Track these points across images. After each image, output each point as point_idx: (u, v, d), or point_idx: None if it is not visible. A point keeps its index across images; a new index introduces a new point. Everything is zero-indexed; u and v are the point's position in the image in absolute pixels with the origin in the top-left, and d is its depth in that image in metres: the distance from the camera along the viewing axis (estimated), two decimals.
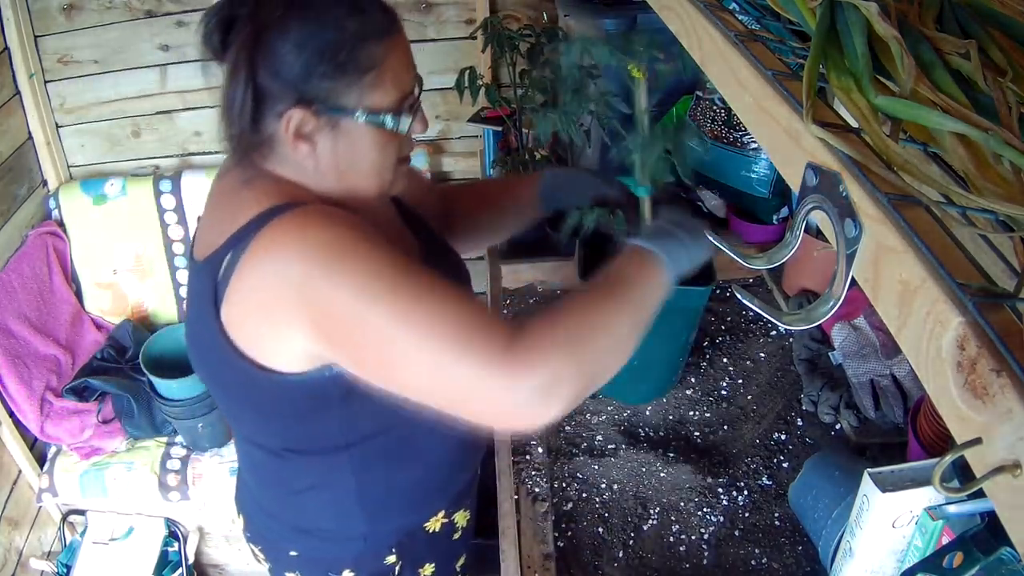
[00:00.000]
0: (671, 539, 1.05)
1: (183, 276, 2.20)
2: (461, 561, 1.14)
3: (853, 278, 0.41)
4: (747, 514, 1.08)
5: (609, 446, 1.19)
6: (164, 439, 1.97)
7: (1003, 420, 0.29)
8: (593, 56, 1.01)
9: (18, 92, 2.02)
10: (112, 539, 2.00)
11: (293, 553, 1.01)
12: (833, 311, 0.43)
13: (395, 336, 0.72)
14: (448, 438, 0.95)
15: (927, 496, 0.77)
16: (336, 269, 0.73)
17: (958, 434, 0.32)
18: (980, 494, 0.33)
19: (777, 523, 1.06)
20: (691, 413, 1.25)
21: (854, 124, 0.43)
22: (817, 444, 1.17)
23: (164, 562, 1.99)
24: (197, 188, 2.13)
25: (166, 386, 1.86)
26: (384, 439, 0.91)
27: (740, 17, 0.62)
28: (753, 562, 1.01)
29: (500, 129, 1.87)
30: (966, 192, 0.36)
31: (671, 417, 1.24)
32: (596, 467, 1.16)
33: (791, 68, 0.52)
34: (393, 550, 1.01)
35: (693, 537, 1.05)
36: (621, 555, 1.03)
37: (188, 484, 1.91)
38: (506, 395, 0.71)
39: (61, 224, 2.13)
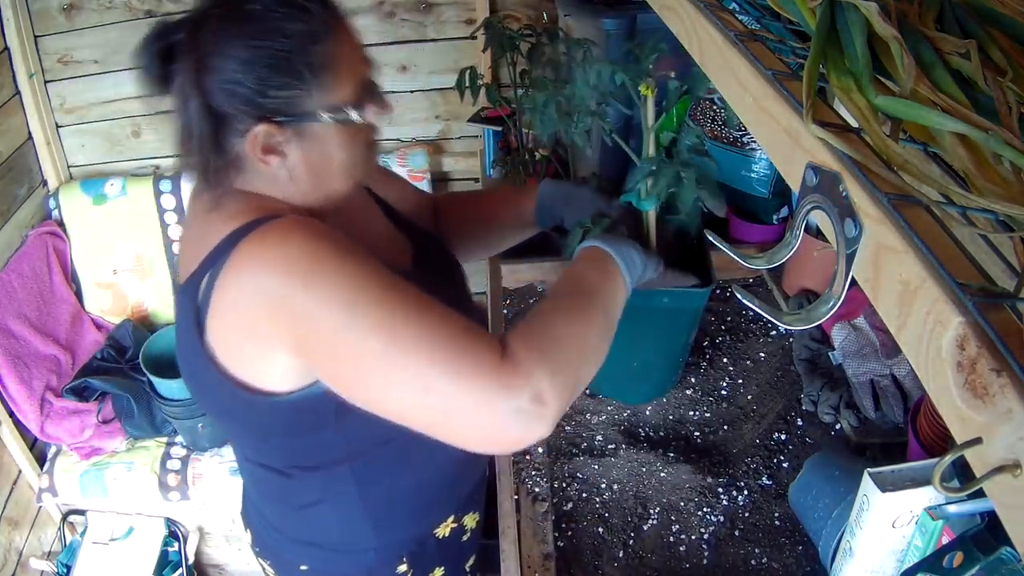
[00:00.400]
0: (671, 539, 1.05)
1: None
2: (470, 562, 1.13)
3: (853, 278, 0.41)
4: (747, 514, 1.08)
5: (609, 446, 1.19)
6: (164, 439, 1.97)
7: (1003, 420, 0.29)
8: (601, 77, 1.00)
9: (18, 92, 2.02)
10: (112, 539, 2.00)
11: (303, 567, 0.99)
12: (833, 311, 0.43)
13: (379, 352, 0.70)
14: (445, 450, 0.94)
15: (927, 496, 0.77)
16: (316, 283, 0.71)
17: (958, 434, 0.32)
18: (980, 494, 0.33)
19: (777, 523, 1.06)
20: (691, 413, 1.25)
21: (854, 124, 0.43)
22: (817, 444, 1.17)
23: (164, 562, 1.99)
24: None
25: (166, 386, 1.86)
26: (385, 449, 0.90)
27: (740, 17, 0.62)
28: (753, 562, 1.01)
29: (500, 129, 1.87)
30: (966, 192, 0.36)
31: (671, 417, 1.24)
32: (596, 467, 1.16)
33: (791, 68, 0.52)
34: (404, 559, 1.00)
35: (693, 537, 1.05)
36: (621, 555, 1.03)
37: (188, 484, 1.91)
38: (495, 416, 0.70)
39: (61, 224, 2.13)
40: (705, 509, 1.08)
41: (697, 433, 1.21)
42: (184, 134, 0.77)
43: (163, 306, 2.22)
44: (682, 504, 1.09)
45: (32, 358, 1.92)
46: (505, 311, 1.47)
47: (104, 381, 1.92)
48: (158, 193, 2.13)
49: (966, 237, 0.37)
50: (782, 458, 1.15)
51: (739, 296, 0.51)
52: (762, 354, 1.34)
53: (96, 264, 2.16)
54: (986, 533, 0.67)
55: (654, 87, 0.97)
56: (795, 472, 1.07)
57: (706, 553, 1.03)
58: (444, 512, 1.03)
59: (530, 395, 0.70)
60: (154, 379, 1.87)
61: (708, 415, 1.24)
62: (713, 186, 0.95)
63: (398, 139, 2.29)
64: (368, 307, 0.71)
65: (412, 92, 2.21)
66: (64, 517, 2.04)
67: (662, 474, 1.14)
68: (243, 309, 0.74)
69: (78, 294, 2.17)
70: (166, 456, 1.93)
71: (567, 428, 1.23)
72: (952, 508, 0.75)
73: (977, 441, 0.30)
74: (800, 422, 1.21)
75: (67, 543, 2.04)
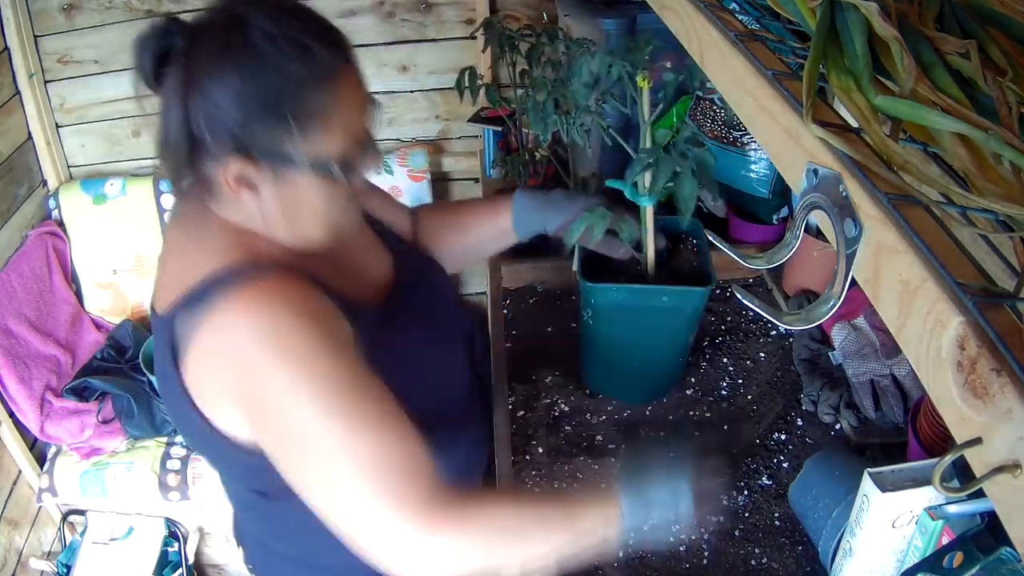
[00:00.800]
0: (671, 539, 1.05)
1: None
2: None
3: (853, 278, 0.41)
4: (747, 514, 1.07)
5: (609, 446, 1.19)
6: (164, 439, 1.97)
7: (1003, 420, 0.29)
8: (597, 69, 1.00)
9: (18, 92, 2.02)
10: (112, 539, 2.00)
11: None
12: (833, 311, 0.43)
13: (316, 449, 0.71)
14: (444, 458, 0.93)
15: (927, 496, 0.77)
16: (282, 367, 0.70)
17: (958, 434, 0.32)
18: (980, 494, 0.33)
19: (777, 523, 1.06)
20: (691, 413, 1.25)
21: (854, 124, 0.43)
22: (817, 444, 1.17)
23: (164, 562, 1.99)
24: None
25: None
26: None
27: (740, 17, 0.62)
28: (753, 562, 1.01)
29: (500, 129, 1.87)
30: (966, 192, 0.36)
31: (671, 417, 1.24)
32: (596, 467, 1.16)
33: (791, 68, 0.52)
34: None
35: (693, 537, 1.05)
36: (621, 555, 1.03)
37: (188, 484, 1.91)
38: (398, 549, 0.72)
39: (61, 224, 2.13)
40: (705, 509, 1.08)
41: (697, 433, 1.21)
42: (162, 141, 0.75)
43: None
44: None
45: (32, 358, 1.92)
46: (505, 311, 1.47)
47: (104, 381, 1.92)
48: (158, 193, 2.13)
49: (966, 237, 0.37)
50: (782, 458, 1.15)
51: (739, 296, 0.51)
52: (762, 354, 1.34)
53: (96, 264, 2.16)
54: (986, 533, 0.67)
55: (650, 79, 0.97)
56: (795, 472, 1.07)
57: (706, 553, 1.03)
58: None
59: (443, 550, 0.72)
60: (154, 379, 1.87)
61: (708, 415, 1.24)
62: (710, 179, 0.95)
63: (398, 139, 2.29)
64: (318, 401, 0.71)
65: (412, 92, 2.21)
66: (64, 517, 2.04)
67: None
68: (215, 363, 0.74)
69: (78, 294, 2.17)
70: (166, 456, 1.93)
71: (567, 428, 1.23)
72: (952, 508, 0.74)
73: (977, 441, 0.30)
74: (800, 422, 1.21)
75: (67, 543, 2.04)
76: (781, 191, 1.47)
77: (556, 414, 1.24)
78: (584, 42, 1.09)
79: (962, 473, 0.54)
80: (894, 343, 1.02)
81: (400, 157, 2.21)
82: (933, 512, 0.76)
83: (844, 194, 0.40)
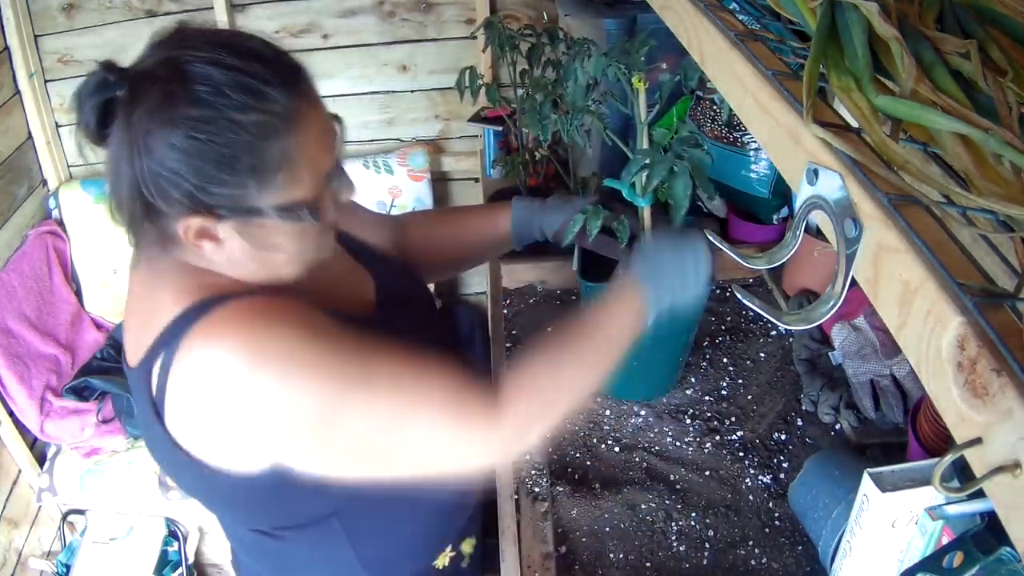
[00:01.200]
0: (671, 539, 1.05)
1: None
2: None
3: (853, 278, 0.41)
4: (747, 514, 1.07)
5: (609, 445, 1.19)
6: None
7: (1003, 420, 0.29)
8: (593, 70, 1.01)
9: (18, 92, 2.02)
10: (112, 539, 2.00)
11: None
12: (833, 311, 0.43)
13: (368, 433, 0.71)
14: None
15: (927, 496, 0.77)
16: (289, 381, 0.66)
17: (958, 434, 0.32)
18: (980, 494, 0.33)
19: (777, 523, 1.06)
20: (691, 412, 1.24)
21: (854, 124, 0.43)
22: (817, 444, 1.17)
23: (164, 562, 1.99)
24: None
25: None
26: (373, 497, 0.85)
27: (740, 17, 0.62)
28: (753, 562, 1.01)
29: (500, 129, 1.87)
30: (966, 192, 0.36)
31: (671, 416, 1.24)
32: (597, 466, 1.16)
33: (791, 68, 0.52)
34: None
35: (693, 537, 1.05)
36: (621, 555, 1.03)
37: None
38: (483, 458, 0.78)
39: (61, 224, 2.13)
40: (705, 509, 1.08)
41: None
42: (115, 203, 0.69)
43: None
44: (682, 504, 1.09)
45: (32, 358, 1.92)
46: (505, 311, 1.47)
47: (104, 381, 1.92)
48: None
49: (966, 237, 0.37)
50: (782, 458, 1.15)
51: (739, 296, 0.51)
52: (762, 354, 1.34)
53: (96, 264, 2.16)
54: (986, 533, 0.67)
55: (646, 80, 0.97)
56: (795, 472, 1.07)
57: (706, 553, 1.03)
58: (441, 545, 0.99)
59: (516, 438, 0.77)
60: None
61: (708, 415, 1.24)
62: (705, 179, 0.96)
63: (398, 139, 2.29)
64: (347, 391, 0.69)
65: (412, 92, 2.21)
66: (64, 517, 2.04)
67: (663, 473, 1.14)
68: (201, 400, 0.68)
69: (78, 294, 2.17)
70: None
71: (567, 428, 1.23)
72: (952, 508, 0.74)
73: (977, 441, 0.30)
74: (800, 422, 1.21)
75: (67, 543, 2.03)
76: (781, 191, 1.47)
77: None
78: (584, 42, 1.09)
79: (962, 473, 0.54)
80: (894, 343, 1.02)
81: (400, 157, 2.21)
82: (933, 512, 0.75)
83: (844, 194, 0.40)
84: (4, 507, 1.87)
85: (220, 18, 2.00)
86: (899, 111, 0.40)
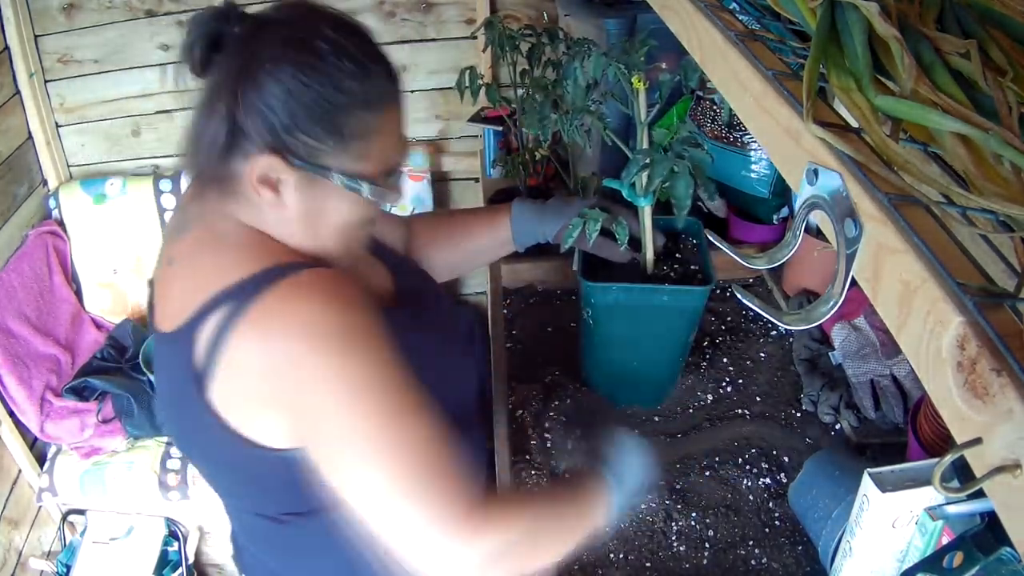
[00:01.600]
0: (671, 539, 1.05)
1: None
2: None
3: (853, 278, 0.41)
4: (747, 514, 1.07)
5: None
6: (164, 438, 1.97)
7: (1003, 420, 0.29)
8: (592, 71, 1.01)
9: (18, 92, 2.02)
10: (112, 539, 2.00)
11: None
12: (833, 311, 0.43)
13: (367, 452, 0.70)
14: None
15: (927, 496, 0.77)
16: (336, 366, 0.68)
17: (958, 434, 0.32)
18: (980, 494, 0.33)
19: (777, 523, 1.06)
20: (690, 412, 1.24)
21: (854, 124, 0.43)
22: (817, 444, 1.17)
23: (164, 562, 1.99)
24: None
25: None
26: None
27: (740, 17, 0.62)
28: (753, 562, 1.01)
29: (500, 129, 1.87)
30: (966, 192, 0.36)
31: (671, 416, 1.24)
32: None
33: (791, 68, 0.52)
34: None
35: (693, 537, 1.05)
36: (621, 555, 1.03)
37: (188, 484, 1.91)
38: (436, 555, 0.72)
39: (61, 224, 2.13)
40: (705, 509, 1.08)
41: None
42: (197, 132, 0.73)
43: None
44: (682, 504, 1.09)
45: (32, 358, 1.92)
46: (505, 311, 1.47)
47: (104, 381, 1.92)
48: (158, 192, 2.13)
49: (966, 237, 0.37)
50: (782, 458, 1.15)
51: (739, 296, 0.51)
52: (762, 354, 1.34)
53: (96, 264, 2.16)
54: (986, 533, 0.67)
55: (646, 80, 0.97)
56: (795, 472, 1.07)
57: (706, 553, 1.03)
58: None
59: (482, 563, 0.72)
60: (154, 378, 1.87)
61: (708, 415, 1.24)
62: (706, 178, 0.96)
63: None
64: (373, 401, 0.69)
65: (412, 92, 2.21)
66: (64, 517, 2.04)
67: (662, 473, 1.14)
68: (257, 370, 0.70)
69: (78, 294, 2.17)
70: (166, 455, 1.94)
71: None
72: (952, 508, 0.74)
73: (977, 441, 0.30)
74: (800, 422, 1.21)
75: (67, 543, 2.04)
76: (781, 191, 1.47)
77: (556, 414, 1.24)
78: (584, 42, 1.09)
79: (962, 473, 0.54)
80: (894, 343, 1.02)
81: None
82: (933, 512, 0.76)
83: (844, 194, 0.40)
84: (4, 507, 1.87)
85: None
86: (899, 111, 0.40)
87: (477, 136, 2.22)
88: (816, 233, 1.31)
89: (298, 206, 0.75)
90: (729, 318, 1.42)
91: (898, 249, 0.36)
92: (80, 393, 1.93)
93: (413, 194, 2.23)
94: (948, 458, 0.32)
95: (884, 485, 0.78)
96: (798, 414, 1.22)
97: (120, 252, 2.16)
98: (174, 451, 1.95)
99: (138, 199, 2.13)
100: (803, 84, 0.43)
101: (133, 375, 1.98)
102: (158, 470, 1.91)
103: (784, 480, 1.11)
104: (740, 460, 1.15)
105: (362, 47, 0.73)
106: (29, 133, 2.07)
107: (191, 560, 2.06)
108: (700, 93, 1.52)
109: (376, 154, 0.75)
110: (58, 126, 2.15)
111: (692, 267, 1.13)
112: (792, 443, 1.17)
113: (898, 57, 0.40)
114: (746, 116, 0.54)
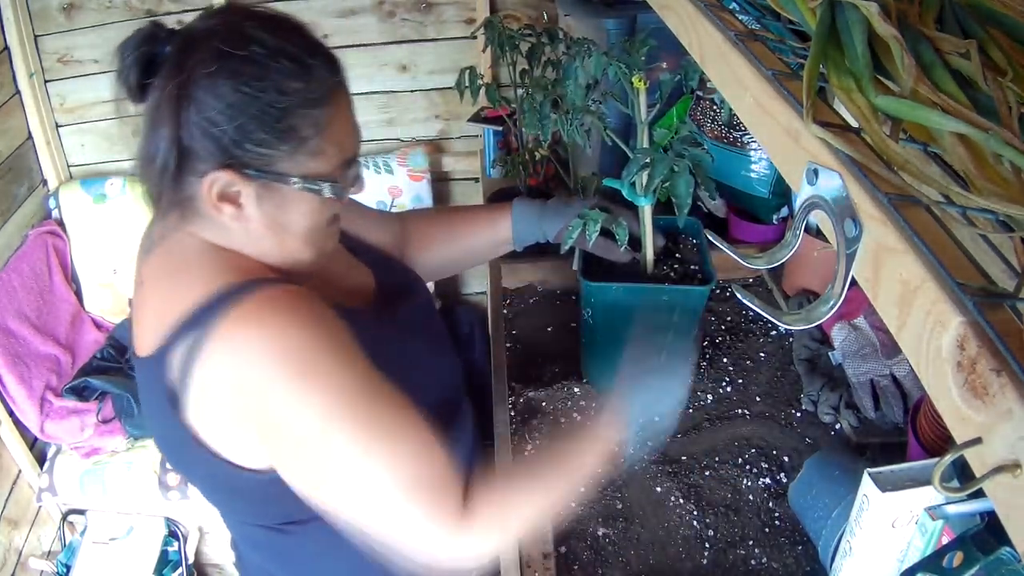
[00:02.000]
0: (671, 539, 1.05)
1: None
2: None
3: (853, 278, 0.41)
4: (747, 514, 1.07)
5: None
6: None
7: (1003, 420, 0.29)
8: (593, 70, 1.01)
9: (18, 92, 2.02)
10: (112, 539, 2.00)
11: None
12: (833, 311, 0.43)
13: (350, 467, 0.70)
14: None
15: (927, 496, 0.77)
16: (302, 386, 0.68)
17: (958, 434, 0.32)
18: (980, 494, 0.33)
19: (777, 523, 1.06)
20: (690, 411, 1.24)
21: (854, 124, 0.43)
22: (817, 444, 1.17)
23: (164, 562, 1.99)
24: None
25: None
26: None
27: (740, 17, 0.62)
28: (753, 562, 1.01)
29: (500, 129, 1.87)
30: (966, 192, 0.36)
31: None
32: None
33: (791, 68, 0.52)
34: None
35: (693, 537, 1.05)
36: (621, 555, 1.03)
37: (188, 484, 1.91)
38: (438, 550, 0.73)
39: (61, 223, 2.13)
40: (705, 509, 1.08)
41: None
42: (146, 157, 0.71)
43: None
44: (682, 503, 1.09)
45: (32, 358, 1.92)
46: (505, 311, 1.47)
47: (104, 380, 1.92)
48: None
49: (966, 237, 0.37)
50: (782, 458, 1.15)
51: (739, 296, 0.51)
52: (762, 354, 1.34)
53: (96, 264, 2.16)
54: (986, 533, 0.67)
55: (646, 80, 0.97)
56: (795, 472, 1.07)
57: (706, 553, 1.03)
58: None
59: (477, 547, 0.74)
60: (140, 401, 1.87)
61: (708, 415, 1.24)
62: (706, 177, 0.96)
63: (398, 139, 2.29)
64: (350, 420, 0.69)
65: (412, 92, 2.22)
66: (64, 517, 2.04)
67: (663, 473, 1.14)
68: (225, 388, 0.69)
69: (78, 294, 2.17)
70: None
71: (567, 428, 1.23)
72: (952, 508, 0.74)
73: (977, 441, 0.30)
74: (800, 422, 1.21)
75: (67, 543, 2.04)
76: (781, 191, 1.47)
77: (556, 414, 1.24)
78: (584, 42, 1.09)
79: (962, 473, 0.54)
80: (894, 343, 1.02)
81: (400, 157, 2.21)
82: (933, 512, 0.76)
83: (844, 194, 0.40)
84: (4, 507, 1.87)
85: None
86: (899, 111, 0.40)
87: (477, 136, 2.22)
88: (816, 233, 1.31)
89: (262, 217, 0.73)
90: (729, 318, 1.42)
91: (898, 249, 0.36)
92: (80, 393, 1.93)
93: (413, 194, 2.23)
94: (948, 458, 0.32)
95: (884, 485, 0.78)
96: (798, 414, 1.22)
97: (120, 252, 2.16)
98: None
99: (138, 199, 2.13)
100: (803, 84, 0.43)
101: (133, 375, 1.98)
102: (158, 470, 1.91)
103: (784, 480, 1.11)
104: (740, 460, 1.15)
105: (297, 42, 0.71)
106: (29, 133, 2.07)
107: (191, 560, 2.06)
108: (700, 93, 1.52)
109: (331, 148, 0.73)
110: (58, 126, 2.15)
111: (692, 267, 1.13)
112: (792, 443, 1.17)
113: (898, 57, 0.40)
114: (746, 116, 0.54)
